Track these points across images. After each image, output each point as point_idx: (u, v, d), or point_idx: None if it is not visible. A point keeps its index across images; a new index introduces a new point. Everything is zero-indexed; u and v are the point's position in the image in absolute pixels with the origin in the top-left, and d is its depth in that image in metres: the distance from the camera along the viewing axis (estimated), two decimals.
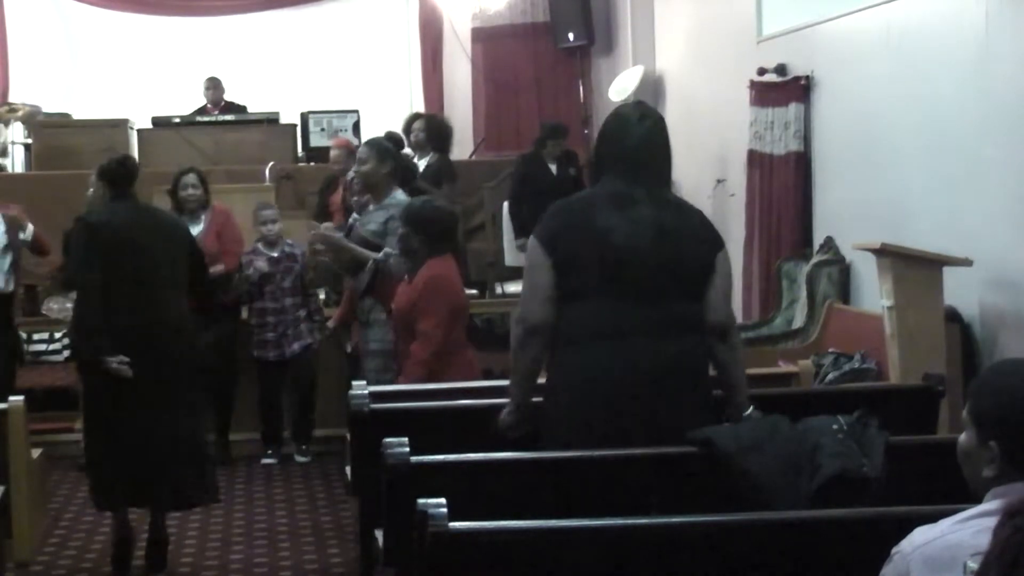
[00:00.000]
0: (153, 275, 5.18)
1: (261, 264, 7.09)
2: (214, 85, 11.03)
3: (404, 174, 6.15)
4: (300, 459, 7.26)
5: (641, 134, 3.65)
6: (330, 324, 6.77)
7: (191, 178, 7.08)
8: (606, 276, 3.54)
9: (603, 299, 3.55)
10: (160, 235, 5.27)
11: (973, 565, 1.94)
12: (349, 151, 8.57)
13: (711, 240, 3.70)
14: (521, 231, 9.19)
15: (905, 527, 2.17)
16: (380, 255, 5.54)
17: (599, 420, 3.52)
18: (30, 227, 7.03)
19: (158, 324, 5.15)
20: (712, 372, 3.75)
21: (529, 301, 3.63)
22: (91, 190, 7.28)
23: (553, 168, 9.28)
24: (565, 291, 3.57)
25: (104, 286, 5.15)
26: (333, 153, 8.71)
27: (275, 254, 7.16)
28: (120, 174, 5.35)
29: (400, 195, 5.88)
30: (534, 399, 3.71)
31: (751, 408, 3.67)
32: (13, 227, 6.96)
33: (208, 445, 5.64)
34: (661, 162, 3.70)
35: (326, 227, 6.45)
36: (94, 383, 5.29)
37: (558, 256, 3.57)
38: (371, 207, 6.00)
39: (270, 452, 7.30)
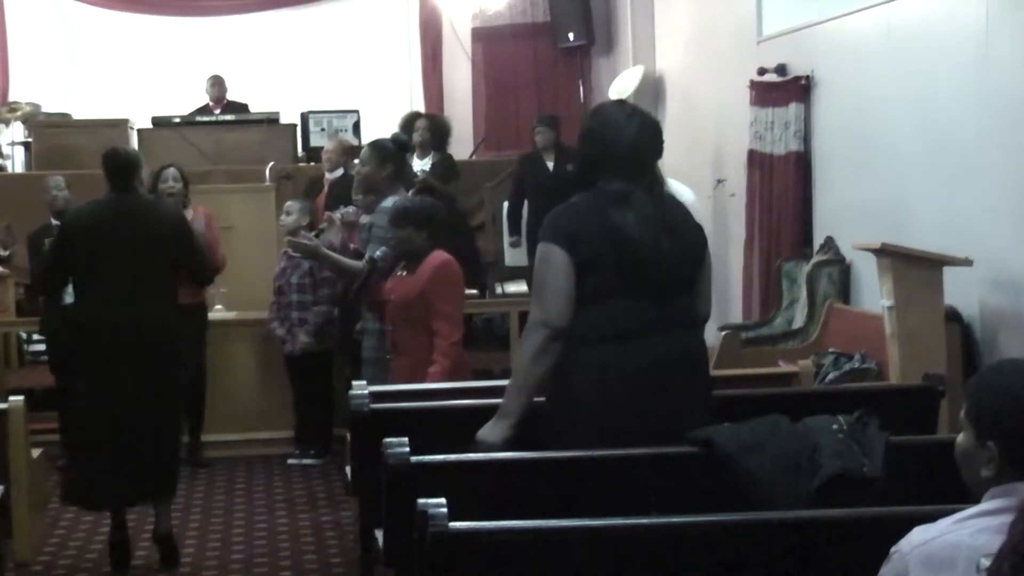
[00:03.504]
0: (130, 273, 5.18)
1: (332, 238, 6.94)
2: (217, 83, 11.03)
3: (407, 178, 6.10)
4: (305, 461, 7.26)
5: (633, 132, 3.64)
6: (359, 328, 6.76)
7: (171, 172, 7.10)
8: (627, 275, 3.53)
9: (622, 298, 3.53)
10: (142, 232, 5.24)
11: (986, 563, 1.94)
12: (342, 150, 8.58)
13: (701, 234, 3.74)
14: (515, 229, 9.24)
15: (905, 527, 2.18)
16: (378, 254, 5.50)
17: (622, 419, 3.50)
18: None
19: (135, 321, 5.15)
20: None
21: (551, 304, 3.54)
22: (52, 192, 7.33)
23: (550, 165, 9.29)
24: (582, 292, 3.54)
25: (90, 287, 5.18)
26: (326, 151, 8.73)
27: (289, 250, 7.21)
28: (108, 167, 5.35)
29: (392, 201, 5.68)
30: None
31: None
32: None
33: (179, 446, 5.62)
34: (654, 159, 3.71)
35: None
36: (69, 381, 5.33)
37: (579, 256, 3.53)
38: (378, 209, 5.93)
39: (297, 452, 7.32)
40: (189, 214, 7.11)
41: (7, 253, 7.08)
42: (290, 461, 7.28)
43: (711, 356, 4.01)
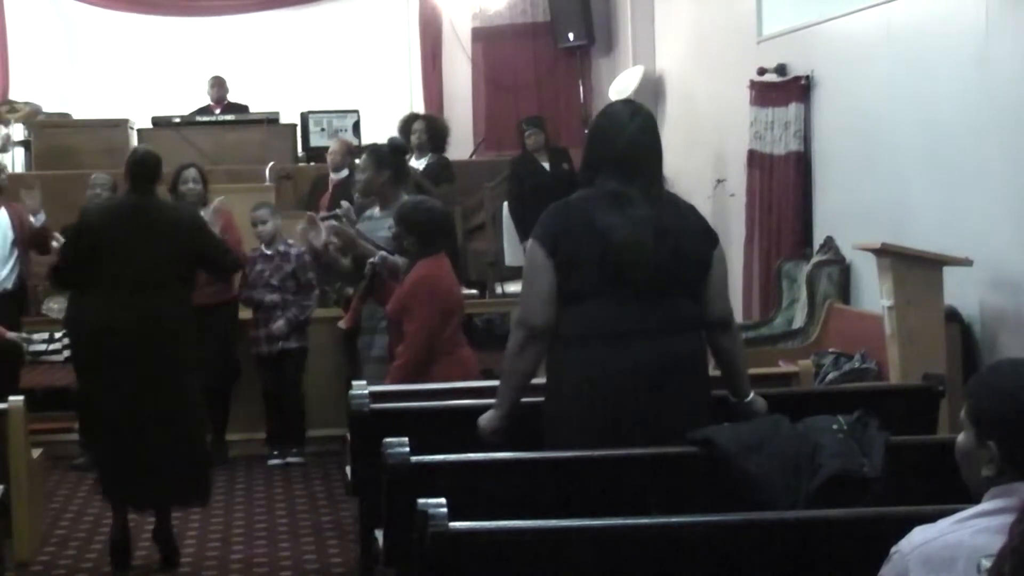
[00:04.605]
0: (145, 275, 5.17)
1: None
2: (218, 84, 11.04)
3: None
4: (289, 460, 7.25)
5: (634, 132, 3.64)
6: (341, 325, 6.75)
7: (191, 172, 7.11)
8: (607, 276, 3.54)
9: (604, 299, 3.54)
10: (156, 235, 5.23)
11: (987, 563, 1.94)
12: (345, 151, 8.57)
13: (707, 237, 3.71)
14: (523, 232, 9.22)
15: (905, 527, 2.18)
16: (376, 258, 5.49)
17: (601, 420, 3.52)
18: (42, 215, 7.06)
19: (152, 324, 5.14)
20: (712, 367, 3.77)
21: (531, 304, 3.61)
22: (96, 190, 7.34)
23: (546, 165, 9.30)
24: (566, 292, 3.56)
25: (97, 286, 5.18)
26: (330, 151, 8.71)
27: (269, 252, 7.23)
28: (133, 170, 5.35)
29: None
30: (531, 400, 3.71)
31: (753, 394, 3.73)
32: (21, 221, 6.98)
33: (205, 446, 5.61)
34: (654, 160, 3.70)
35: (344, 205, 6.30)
36: (90, 384, 5.31)
37: (559, 257, 3.56)
38: (377, 213, 5.92)
39: (275, 453, 7.31)
40: (208, 212, 7.10)
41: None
42: (271, 463, 7.24)
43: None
